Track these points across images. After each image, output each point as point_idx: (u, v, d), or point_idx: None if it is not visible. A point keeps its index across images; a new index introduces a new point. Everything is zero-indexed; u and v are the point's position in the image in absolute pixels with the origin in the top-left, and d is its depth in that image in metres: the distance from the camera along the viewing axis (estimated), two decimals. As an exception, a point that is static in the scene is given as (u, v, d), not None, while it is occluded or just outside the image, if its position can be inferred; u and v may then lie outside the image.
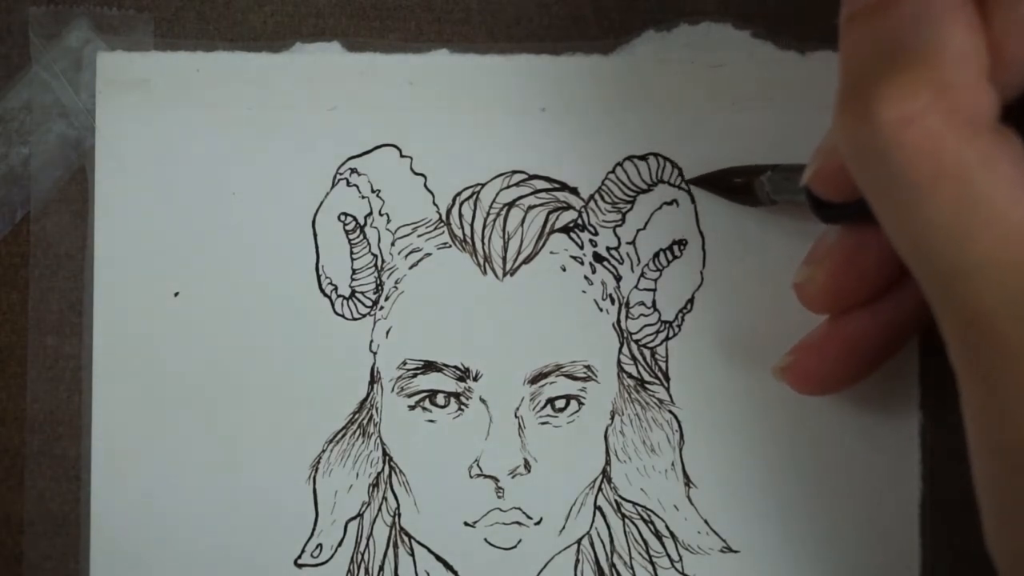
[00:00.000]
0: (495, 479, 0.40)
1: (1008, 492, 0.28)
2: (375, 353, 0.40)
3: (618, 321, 0.40)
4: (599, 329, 0.40)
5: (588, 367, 0.40)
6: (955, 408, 0.30)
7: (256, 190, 0.41)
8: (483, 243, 0.40)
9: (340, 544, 0.40)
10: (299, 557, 0.40)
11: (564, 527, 0.40)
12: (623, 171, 0.40)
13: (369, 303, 0.40)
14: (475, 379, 0.40)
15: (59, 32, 0.41)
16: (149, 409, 0.40)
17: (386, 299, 0.40)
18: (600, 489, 0.40)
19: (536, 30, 0.41)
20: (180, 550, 0.40)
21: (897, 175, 0.27)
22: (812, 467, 0.40)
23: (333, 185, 0.41)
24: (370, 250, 0.40)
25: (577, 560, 0.40)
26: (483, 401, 0.40)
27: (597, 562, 0.40)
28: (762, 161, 0.39)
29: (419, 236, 0.40)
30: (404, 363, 0.40)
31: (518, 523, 0.40)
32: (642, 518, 0.40)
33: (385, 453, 0.40)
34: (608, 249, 0.40)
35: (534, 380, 0.40)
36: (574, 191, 0.40)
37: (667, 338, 0.40)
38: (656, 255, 0.40)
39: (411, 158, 0.41)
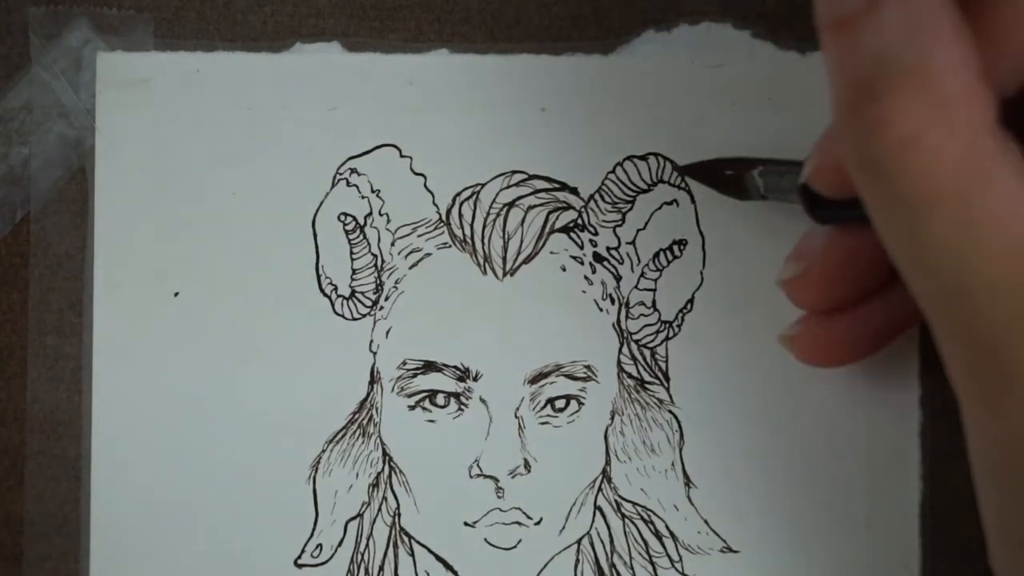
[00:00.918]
0: (495, 479, 0.40)
1: (1014, 518, 0.28)
2: (375, 353, 0.40)
3: (618, 321, 0.40)
4: (599, 329, 0.40)
5: (588, 367, 0.40)
6: (955, 408, 0.30)
7: (256, 190, 0.41)
8: (483, 243, 0.40)
9: (340, 544, 0.40)
10: (299, 557, 0.40)
11: (564, 527, 0.40)
12: (623, 171, 0.40)
13: (369, 303, 0.40)
14: (475, 379, 0.40)
15: (59, 32, 0.41)
16: (149, 409, 0.40)
17: (386, 299, 0.40)
18: (600, 489, 0.40)
19: (536, 30, 0.41)
20: (180, 550, 0.40)
21: (898, 194, 0.27)
22: (812, 467, 0.40)
23: (333, 185, 0.41)
24: (370, 250, 0.40)
25: (577, 560, 0.40)
26: (483, 401, 0.40)
27: (597, 562, 0.40)
28: None
29: (419, 236, 0.40)
30: (404, 363, 0.40)
31: (518, 523, 0.40)
32: (642, 518, 0.40)
33: (385, 453, 0.40)
34: (608, 249, 0.40)
35: (534, 380, 0.40)
36: (574, 191, 0.40)
37: (667, 338, 0.40)
38: (656, 255, 0.40)
39: (411, 158, 0.41)
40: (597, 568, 0.40)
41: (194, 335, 0.40)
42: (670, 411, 0.40)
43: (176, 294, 0.40)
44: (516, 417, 0.40)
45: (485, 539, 0.40)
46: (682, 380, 0.40)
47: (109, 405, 0.40)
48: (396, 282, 0.40)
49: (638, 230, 0.40)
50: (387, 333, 0.40)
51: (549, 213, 0.40)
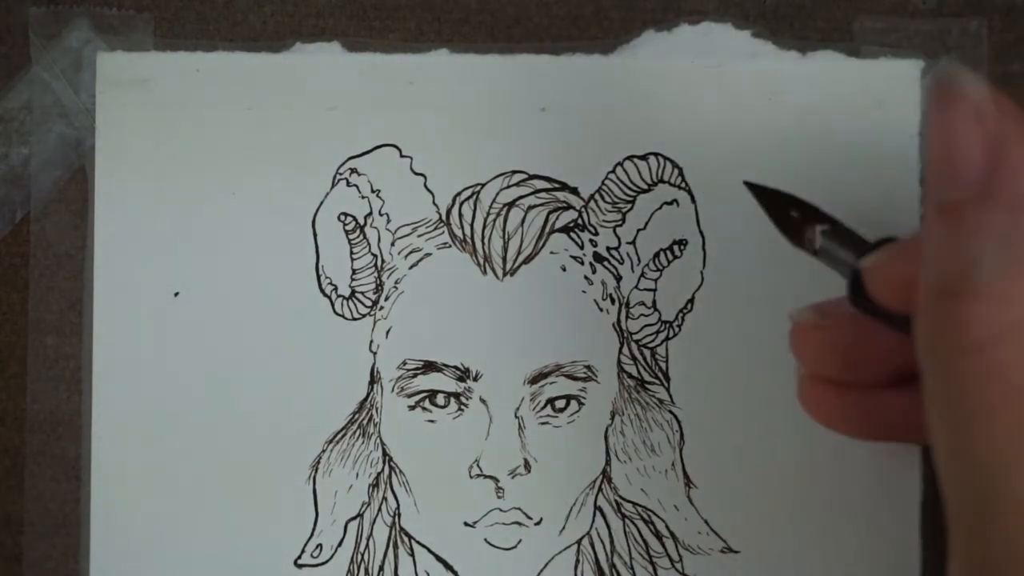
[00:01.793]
0: (495, 479, 0.40)
1: None
2: (375, 353, 0.40)
3: (618, 321, 0.40)
4: (599, 329, 0.40)
5: (588, 367, 0.40)
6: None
7: (256, 190, 0.41)
8: (483, 243, 0.40)
9: (340, 544, 0.40)
10: (299, 557, 0.40)
11: (564, 527, 0.40)
12: (623, 171, 0.40)
13: (369, 303, 0.40)
14: (475, 379, 0.40)
15: (59, 32, 0.41)
16: (149, 409, 0.40)
17: (386, 299, 0.40)
18: (600, 489, 0.40)
19: (536, 30, 0.41)
20: (180, 550, 0.40)
21: (959, 391, 0.26)
22: (812, 467, 0.40)
23: (333, 185, 0.41)
24: (370, 250, 0.40)
25: (577, 560, 0.40)
26: (483, 401, 0.40)
27: (597, 562, 0.40)
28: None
29: (419, 236, 0.40)
30: (404, 363, 0.40)
31: (518, 523, 0.40)
32: (642, 518, 0.40)
33: (385, 453, 0.40)
34: (608, 249, 0.40)
35: (534, 380, 0.40)
36: (574, 191, 0.40)
37: (667, 338, 0.40)
38: (656, 255, 0.40)
39: (411, 158, 0.41)
40: (597, 568, 0.40)
41: (194, 335, 0.40)
42: (670, 411, 0.40)
43: (176, 294, 0.40)
44: (516, 417, 0.40)
45: (485, 539, 0.40)
46: (682, 380, 0.40)
47: (109, 405, 0.40)
48: (396, 282, 0.40)
49: (638, 230, 0.40)
50: (387, 333, 0.40)
51: (549, 213, 0.40)
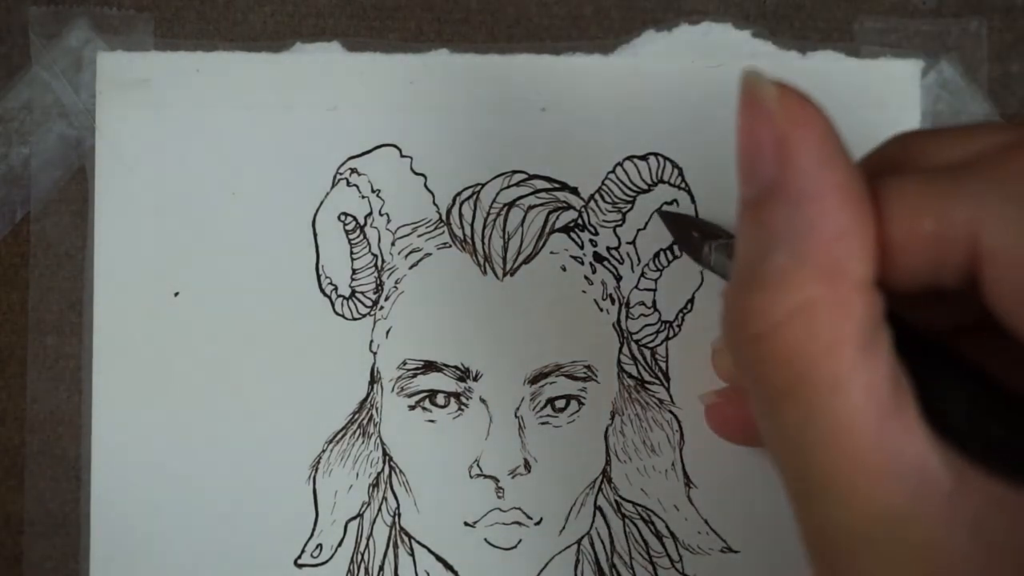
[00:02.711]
0: (495, 479, 0.40)
1: None
2: (375, 353, 0.40)
3: (618, 321, 0.40)
4: (599, 329, 0.40)
5: (588, 367, 0.40)
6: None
7: (256, 190, 0.41)
8: (483, 243, 0.40)
9: (340, 544, 0.40)
10: (299, 557, 0.40)
11: (564, 527, 0.40)
12: (623, 171, 0.40)
13: (369, 303, 0.40)
14: (475, 379, 0.40)
15: (59, 32, 0.41)
16: (149, 409, 0.40)
17: (386, 299, 0.40)
18: (600, 489, 0.40)
19: (536, 30, 0.41)
20: (180, 550, 0.40)
21: (754, 379, 0.27)
22: (812, 467, 0.40)
23: (333, 185, 0.41)
24: (370, 250, 0.40)
25: (577, 560, 0.40)
26: (483, 401, 0.40)
27: (597, 562, 0.40)
28: None
29: (419, 236, 0.40)
30: (404, 363, 0.40)
31: (518, 523, 0.40)
32: (642, 518, 0.40)
33: (385, 453, 0.40)
34: (608, 249, 0.40)
35: (534, 380, 0.40)
36: (574, 191, 0.40)
37: (667, 338, 0.40)
38: (656, 255, 0.40)
39: (411, 158, 0.41)
40: (597, 568, 0.40)
41: (194, 335, 0.40)
42: (670, 411, 0.40)
43: (176, 294, 0.40)
44: (516, 417, 0.40)
45: (485, 539, 0.40)
46: (682, 380, 0.40)
47: (109, 405, 0.40)
48: (396, 282, 0.40)
49: (638, 230, 0.40)
50: (387, 333, 0.40)
51: (549, 213, 0.40)
